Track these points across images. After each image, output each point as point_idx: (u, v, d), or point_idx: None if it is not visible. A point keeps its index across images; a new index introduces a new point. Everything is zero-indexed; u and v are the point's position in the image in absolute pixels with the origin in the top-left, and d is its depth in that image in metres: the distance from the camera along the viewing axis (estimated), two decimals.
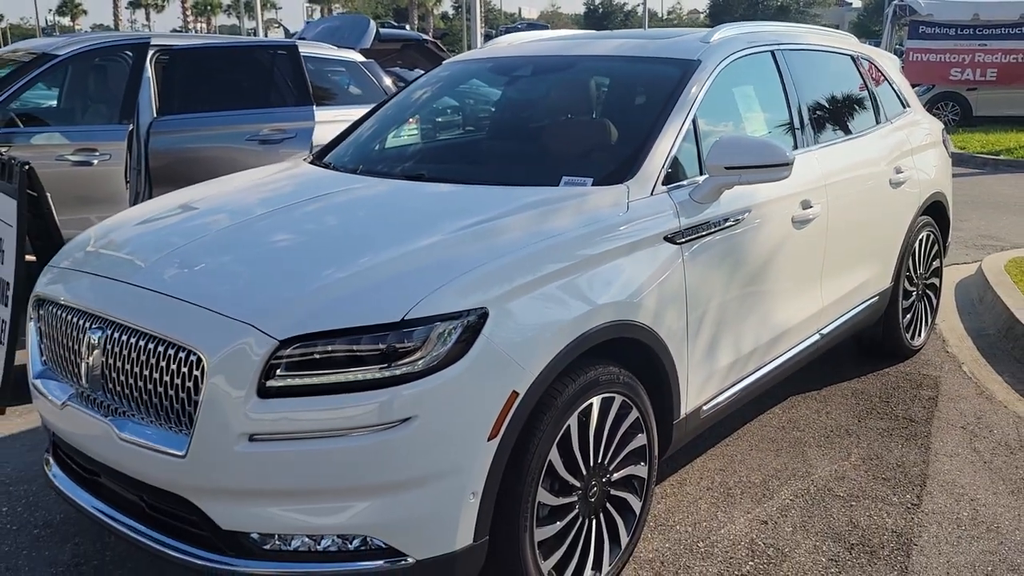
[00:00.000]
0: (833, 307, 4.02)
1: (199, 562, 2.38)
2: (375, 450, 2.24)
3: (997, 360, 4.94)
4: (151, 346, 2.39)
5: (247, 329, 2.27)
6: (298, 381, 2.25)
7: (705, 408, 3.24)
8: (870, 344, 4.83)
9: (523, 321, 2.43)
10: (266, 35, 39.22)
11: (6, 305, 4.49)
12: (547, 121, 3.69)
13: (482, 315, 2.33)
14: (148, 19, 71.38)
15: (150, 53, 6.00)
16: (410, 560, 2.32)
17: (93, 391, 2.56)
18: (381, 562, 2.32)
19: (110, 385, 2.50)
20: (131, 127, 5.74)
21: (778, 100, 3.82)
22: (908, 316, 4.83)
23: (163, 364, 2.36)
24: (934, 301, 5.17)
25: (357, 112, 7.20)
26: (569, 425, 2.58)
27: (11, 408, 4.43)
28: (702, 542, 3.16)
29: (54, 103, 6.69)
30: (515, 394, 2.38)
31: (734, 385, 3.40)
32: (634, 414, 2.82)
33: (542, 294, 2.49)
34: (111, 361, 2.49)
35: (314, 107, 6.58)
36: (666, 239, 2.92)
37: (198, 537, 2.42)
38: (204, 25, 69.16)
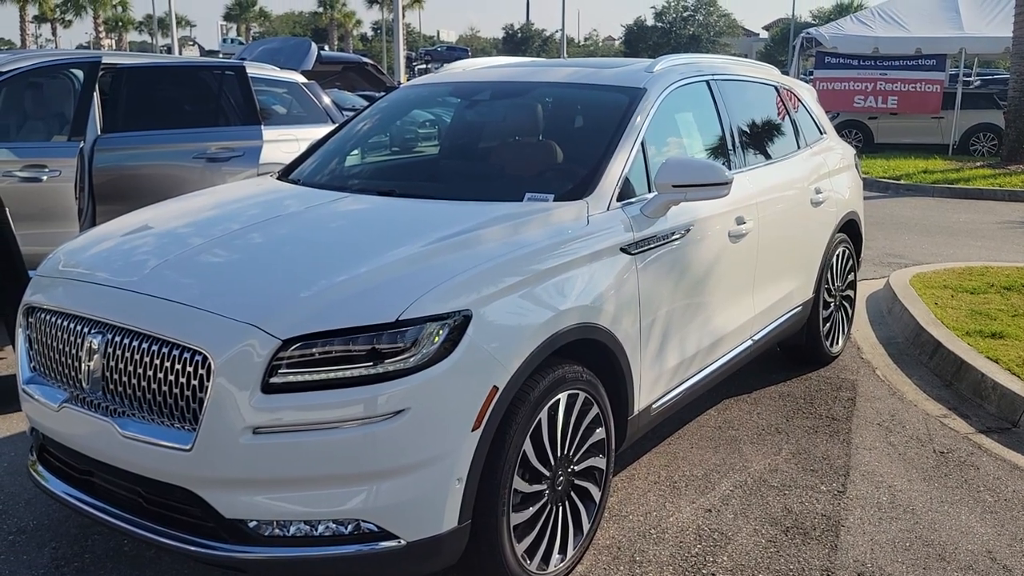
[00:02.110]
0: (763, 315, 4.39)
1: (201, 550, 2.54)
2: (370, 440, 2.45)
3: (906, 365, 5.40)
4: (155, 348, 2.55)
5: (251, 330, 2.45)
6: (299, 378, 2.45)
7: (655, 406, 3.53)
8: (794, 351, 5.22)
9: (502, 322, 2.67)
10: (180, 53, 38.62)
11: None
12: (507, 142, 3.96)
13: (466, 317, 2.57)
14: (54, 34, 69.37)
15: (100, 72, 6.06)
16: (402, 542, 2.53)
17: (92, 393, 2.69)
18: (375, 544, 2.52)
19: (111, 386, 2.65)
20: (82, 144, 5.78)
21: (713, 125, 4.18)
22: (827, 325, 5.25)
23: (167, 365, 2.53)
24: (850, 311, 5.62)
25: (302, 132, 7.41)
26: (540, 419, 2.83)
27: None
28: (653, 529, 3.44)
29: None
30: (495, 389, 2.62)
31: (680, 385, 3.70)
32: (595, 410, 3.09)
33: (518, 298, 2.75)
34: (112, 364, 2.63)
35: (262, 126, 6.71)
36: (621, 250, 3.21)
37: (199, 527, 2.58)
38: (114, 42, 67.60)
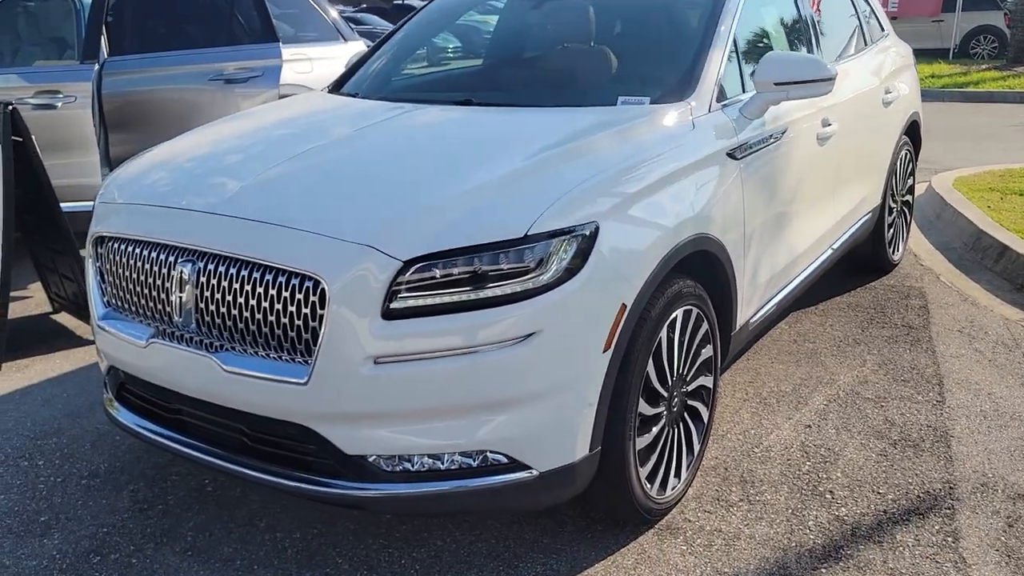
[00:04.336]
0: (841, 223, 4.20)
1: (317, 489, 2.37)
2: (500, 366, 2.26)
3: (970, 270, 5.24)
4: (256, 275, 2.33)
5: (368, 252, 2.24)
6: (421, 302, 2.24)
7: (752, 321, 3.36)
8: (857, 259, 5.05)
9: (626, 235, 2.47)
10: None
11: None
12: (589, 41, 3.67)
13: (595, 229, 2.36)
14: None
15: None
16: (534, 472, 2.36)
17: (185, 327, 2.48)
18: (506, 476, 2.35)
19: (207, 319, 2.43)
20: (98, 66, 5.43)
21: (796, 19, 3.91)
22: (891, 231, 5.07)
23: (273, 293, 2.31)
24: (908, 217, 5.43)
25: (314, 50, 7.04)
26: (660, 337, 2.65)
27: (7, 364, 4.24)
28: (756, 448, 3.30)
29: None
30: (624, 307, 2.43)
31: (772, 298, 3.53)
32: (705, 326, 2.91)
33: (640, 209, 2.54)
34: (207, 294, 2.42)
35: (280, 44, 6.35)
36: (727, 154, 2.99)
37: (312, 464, 2.41)
38: None
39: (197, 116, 6.19)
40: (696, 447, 2.98)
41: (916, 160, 5.41)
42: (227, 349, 2.41)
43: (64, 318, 4.88)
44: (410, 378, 2.26)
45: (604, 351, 2.39)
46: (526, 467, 2.36)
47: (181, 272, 2.45)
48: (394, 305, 2.24)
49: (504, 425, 2.31)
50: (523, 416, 2.31)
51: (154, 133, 6.07)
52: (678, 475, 2.88)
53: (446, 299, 2.25)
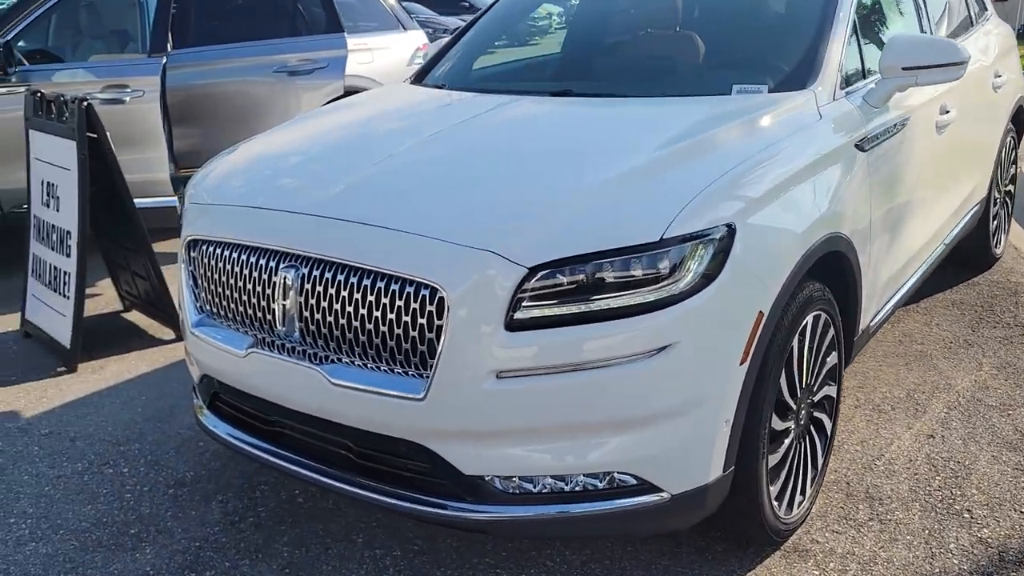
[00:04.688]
0: (953, 216, 3.94)
1: (432, 511, 2.21)
2: (632, 381, 2.08)
3: None
4: (367, 283, 2.17)
5: (490, 258, 2.06)
6: (547, 312, 2.07)
7: (872, 323, 3.14)
8: (958, 254, 4.76)
9: (763, 237, 2.27)
10: None
11: (68, 256, 4.18)
12: (695, 25, 3.44)
13: (732, 231, 2.16)
14: None
15: None
16: (665, 495, 2.18)
17: (287, 337, 2.33)
18: (636, 499, 2.17)
19: (312, 328, 2.28)
20: (165, 60, 5.32)
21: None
22: (994, 223, 4.79)
23: (386, 302, 2.15)
24: (1010, 208, 5.13)
25: (374, 40, 6.88)
26: (792, 346, 2.44)
27: (83, 364, 4.16)
28: (878, 460, 3.08)
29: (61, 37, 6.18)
30: (761, 315, 2.23)
31: (890, 299, 3.30)
32: (831, 332, 2.70)
33: (775, 208, 2.33)
34: (312, 302, 2.26)
35: (346, 34, 6.20)
36: (856, 146, 2.77)
37: (424, 484, 2.25)
38: None
39: (261, 109, 6.09)
40: (819, 461, 2.78)
41: (1018, 147, 5.10)
42: (334, 361, 2.26)
43: (135, 317, 4.79)
44: (534, 394, 2.09)
45: (741, 363, 2.19)
46: (657, 489, 2.17)
47: (284, 278, 2.29)
48: (518, 315, 2.06)
49: (635, 444, 2.13)
50: (656, 435, 2.13)
51: (217, 127, 5.97)
52: (803, 492, 2.68)
53: (573, 309, 2.07)
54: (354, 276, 2.19)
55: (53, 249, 4.31)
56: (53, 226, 4.30)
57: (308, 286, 2.27)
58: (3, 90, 5.18)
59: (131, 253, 4.47)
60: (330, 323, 2.24)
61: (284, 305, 2.31)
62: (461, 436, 2.13)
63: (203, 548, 2.77)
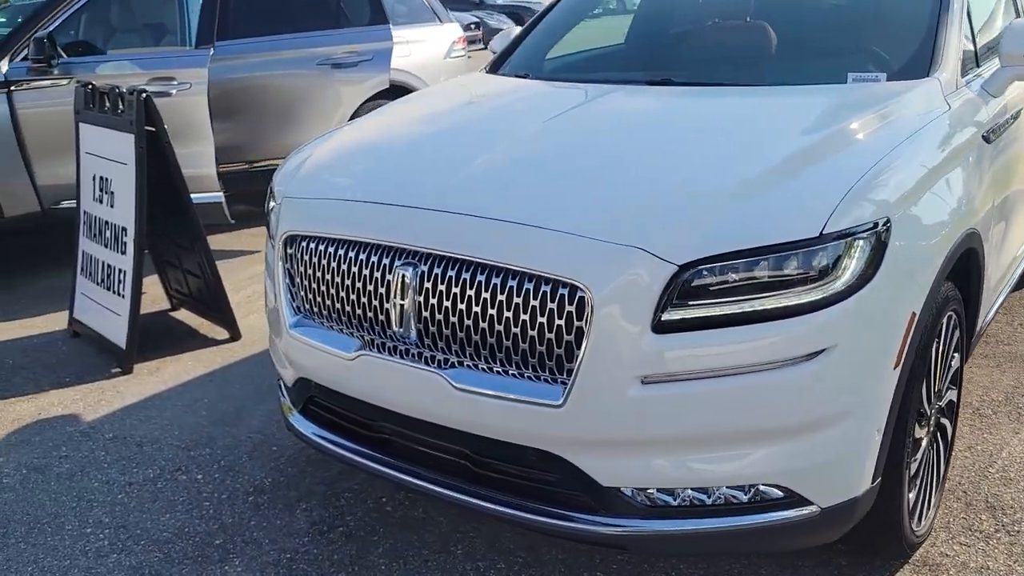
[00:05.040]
0: None
1: (563, 524, 2.07)
2: (785, 388, 1.94)
3: None
4: (497, 281, 2.03)
5: (637, 255, 1.92)
6: (696, 313, 1.93)
7: (985, 323, 3.00)
8: None
9: (914, 233, 2.13)
10: None
11: (123, 253, 4.04)
12: (799, 9, 3.27)
13: (887, 226, 2.02)
14: None
15: None
16: (815, 509, 2.04)
17: (403, 339, 2.19)
18: (783, 513, 2.04)
19: (432, 330, 2.14)
20: (212, 51, 5.18)
21: None
22: None
23: (518, 302, 2.01)
24: None
25: (411, 33, 6.71)
26: (932, 349, 2.30)
27: (137, 365, 4.03)
28: (991, 467, 2.95)
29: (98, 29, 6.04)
30: (913, 315, 2.09)
31: (999, 297, 3.16)
32: (957, 333, 2.56)
33: (923, 203, 2.20)
34: (434, 302, 2.12)
35: (391, 26, 6.06)
36: (983, 137, 2.63)
37: (552, 495, 2.11)
38: None
39: (304, 103, 5.95)
40: (941, 469, 2.64)
41: None
42: (460, 365, 2.12)
43: (184, 315, 4.66)
44: (681, 401, 1.95)
45: (895, 367, 2.05)
46: (806, 503, 2.03)
47: (401, 277, 2.15)
48: (666, 316, 1.92)
49: (785, 455, 1.99)
50: (808, 445, 1.99)
51: (258, 122, 5.84)
52: (930, 503, 2.54)
53: (724, 310, 1.93)
54: (481, 274, 2.05)
55: (106, 246, 4.17)
56: (107, 222, 4.16)
57: (428, 284, 2.13)
58: (46, 83, 5.05)
59: (184, 251, 4.33)
60: (453, 324, 2.10)
61: (401, 305, 2.17)
62: (600, 445, 1.99)
63: (295, 560, 2.63)
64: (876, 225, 2.00)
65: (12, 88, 4.99)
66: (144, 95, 3.84)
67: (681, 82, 2.88)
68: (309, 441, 2.58)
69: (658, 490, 2.04)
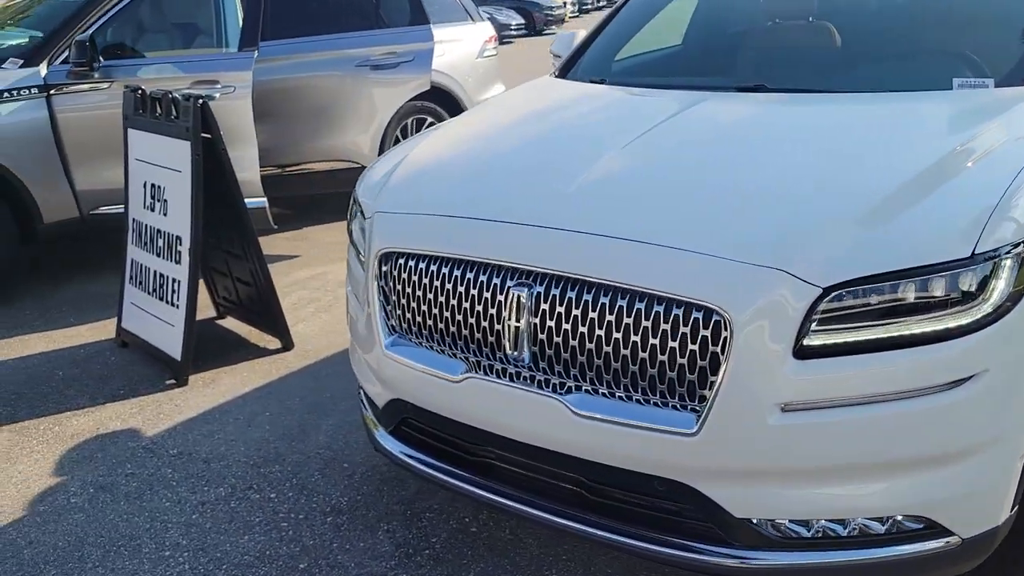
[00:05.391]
0: None
1: (701, 558, 1.98)
2: (933, 415, 1.85)
3: None
4: (623, 303, 1.94)
5: (779, 277, 1.84)
6: (839, 338, 1.84)
7: None
8: None
9: None
10: None
11: (177, 262, 3.96)
12: (890, 11, 3.16)
13: None
14: None
15: None
16: (955, 540, 1.95)
17: (516, 362, 2.10)
18: (921, 544, 1.95)
19: (549, 353, 2.05)
20: (256, 54, 5.09)
21: None
22: None
23: (647, 325, 1.92)
24: None
25: (442, 32, 6.59)
26: None
27: (193, 376, 3.94)
28: None
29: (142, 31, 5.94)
30: None
31: None
32: None
33: None
34: (552, 324, 2.03)
35: (432, 26, 5.97)
36: None
37: (672, 524, 2.03)
38: None
39: (342, 106, 5.87)
40: None
41: None
42: (575, 390, 2.03)
43: (231, 324, 4.58)
44: (821, 429, 1.86)
45: None
46: (947, 533, 1.95)
47: (516, 297, 2.06)
48: (808, 341, 1.84)
49: (928, 485, 1.90)
50: (952, 474, 1.90)
51: (293, 125, 5.75)
52: None
53: (867, 335, 1.84)
54: (605, 296, 1.96)
55: (159, 255, 4.08)
56: (159, 231, 4.07)
57: (545, 306, 2.04)
58: (86, 87, 4.96)
59: (235, 258, 4.24)
60: (573, 348, 2.01)
61: (515, 327, 2.08)
62: (734, 475, 1.91)
63: None
64: (1020, 244, 1.91)
65: (51, 92, 4.90)
66: (201, 101, 3.74)
67: (775, 88, 2.78)
68: (399, 461, 2.49)
69: (791, 521, 1.95)
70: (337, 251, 5.73)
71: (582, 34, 3.82)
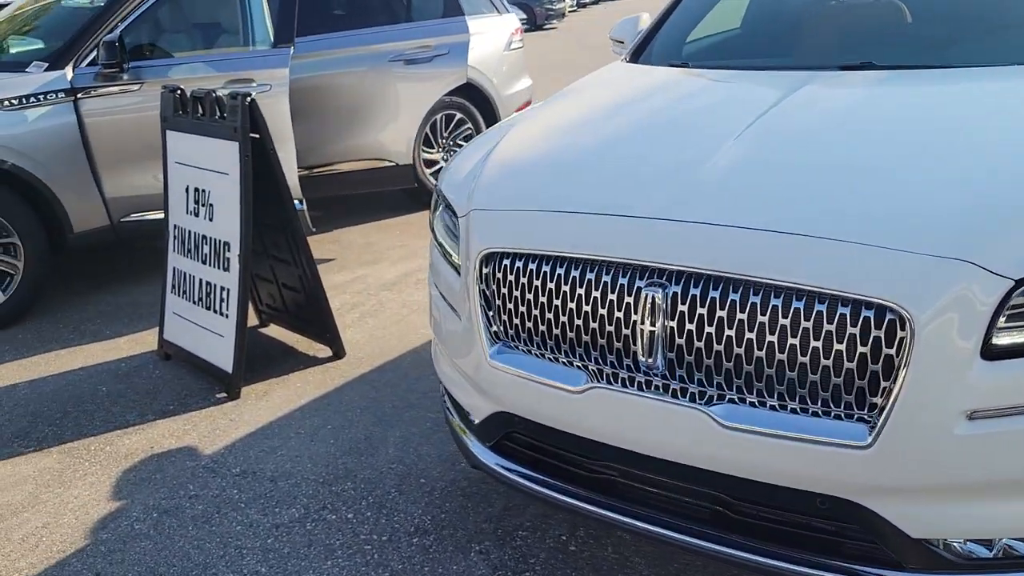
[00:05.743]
0: None
1: None
2: None
3: None
4: (777, 303, 1.75)
5: (966, 270, 1.64)
6: None
7: None
8: None
9: None
10: None
11: (226, 269, 3.76)
12: None
13: None
14: None
15: None
16: None
17: (650, 371, 1.91)
18: None
19: (689, 359, 1.86)
20: (291, 50, 4.89)
21: None
22: None
23: (807, 327, 1.73)
24: None
25: (475, 24, 6.39)
26: None
27: (244, 388, 3.76)
28: None
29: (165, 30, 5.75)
30: None
31: None
32: None
33: None
34: (693, 328, 1.84)
35: (467, 18, 5.77)
36: None
37: (830, 545, 1.84)
38: None
39: (375, 103, 5.67)
40: None
41: None
42: (720, 399, 1.83)
43: (276, 332, 4.39)
44: (1013, 438, 1.67)
45: None
46: None
47: (650, 299, 1.87)
48: (997, 340, 1.64)
49: None
50: None
51: (328, 123, 5.55)
52: None
53: None
54: (755, 295, 1.77)
55: (204, 262, 3.89)
56: (204, 237, 3.88)
57: (684, 308, 1.84)
58: (115, 89, 4.77)
59: (282, 264, 4.05)
60: (717, 353, 1.82)
61: (650, 331, 1.88)
62: (912, 491, 1.71)
63: None
64: None
65: (79, 96, 4.70)
66: (249, 99, 3.55)
67: (884, 66, 2.59)
68: (505, 479, 2.30)
69: (972, 540, 1.76)
70: (371, 253, 5.54)
71: (646, 17, 3.62)
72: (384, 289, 4.92)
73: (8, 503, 3.03)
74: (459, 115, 6.29)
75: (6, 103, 4.51)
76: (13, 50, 5.37)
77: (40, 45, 5.23)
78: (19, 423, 3.60)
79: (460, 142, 6.37)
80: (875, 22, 2.97)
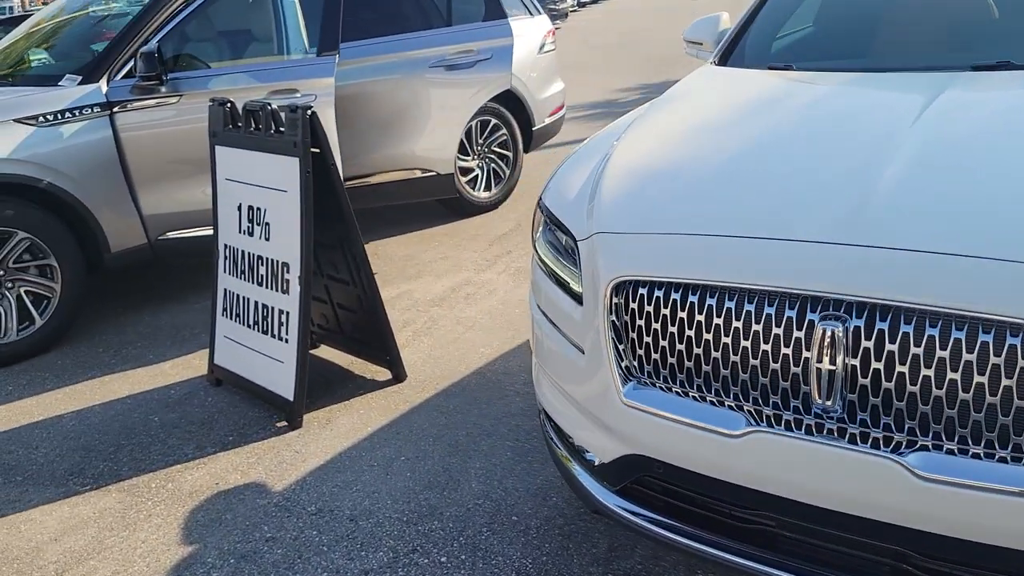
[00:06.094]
0: None
1: None
2: None
3: None
4: (986, 339, 1.55)
5: None
6: None
7: None
8: None
9: None
10: None
11: (285, 292, 3.56)
12: None
13: None
14: None
15: None
16: None
17: (826, 412, 1.71)
18: None
19: (875, 401, 1.66)
20: (336, 58, 4.69)
21: None
22: None
23: None
24: None
25: (517, 26, 6.20)
26: None
27: (305, 416, 3.55)
28: None
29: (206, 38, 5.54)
30: None
31: None
32: None
33: None
34: (880, 366, 1.64)
35: (510, 20, 5.57)
36: None
37: None
38: None
39: (416, 111, 5.47)
40: None
41: None
42: (911, 446, 1.63)
43: (328, 353, 4.19)
44: None
45: None
46: None
47: (830, 334, 1.67)
48: None
49: None
50: None
51: (368, 132, 5.35)
52: None
53: None
54: (959, 330, 1.57)
55: (260, 284, 3.69)
56: (260, 257, 3.68)
57: (868, 344, 1.64)
58: (151, 102, 4.56)
59: (339, 284, 3.85)
60: (912, 395, 1.62)
61: (829, 370, 1.68)
62: None
63: None
64: None
65: (115, 110, 4.50)
66: (310, 111, 3.35)
67: (1020, 65, 2.39)
68: (632, 525, 2.10)
69: None
70: (413, 266, 5.34)
71: (726, 17, 3.42)
72: (433, 305, 4.72)
73: (71, 550, 2.83)
74: (494, 120, 6.09)
75: (40, 119, 4.31)
76: (40, 62, 5.18)
77: (67, 59, 5.03)
78: (71, 458, 3.40)
79: (496, 148, 6.17)
80: (984, 15, 2.77)
